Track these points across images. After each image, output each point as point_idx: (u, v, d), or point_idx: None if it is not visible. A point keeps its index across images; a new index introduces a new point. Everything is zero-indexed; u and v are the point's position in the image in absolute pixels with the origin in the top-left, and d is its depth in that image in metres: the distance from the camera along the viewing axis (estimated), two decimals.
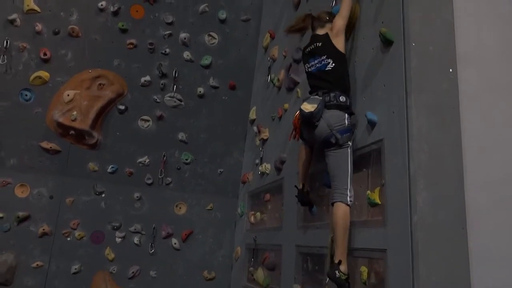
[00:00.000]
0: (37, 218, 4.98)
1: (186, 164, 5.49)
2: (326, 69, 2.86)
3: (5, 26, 5.06)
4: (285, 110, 4.39)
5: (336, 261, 2.61)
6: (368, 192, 2.65)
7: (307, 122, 2.84)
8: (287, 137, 4.25)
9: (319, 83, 2.89)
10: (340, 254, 2.62)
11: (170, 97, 5.50)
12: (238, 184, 5.54)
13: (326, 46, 2.91)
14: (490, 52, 2.65)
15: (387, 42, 2.63)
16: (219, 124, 5.61)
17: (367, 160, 2.79)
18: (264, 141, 4.92)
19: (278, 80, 4.69)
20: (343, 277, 2.57)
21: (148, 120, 5.44)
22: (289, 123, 4.20)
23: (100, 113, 5.25)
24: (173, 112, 5.51)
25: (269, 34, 5.24)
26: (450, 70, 2.49)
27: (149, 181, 5.35)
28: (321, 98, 2.79)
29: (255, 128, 5.23)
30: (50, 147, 5.11)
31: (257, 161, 5.00)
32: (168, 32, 5.51)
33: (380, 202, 2.55)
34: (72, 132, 5.13)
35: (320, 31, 3.06)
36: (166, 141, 5.46)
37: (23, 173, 5.02)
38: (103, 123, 5.31)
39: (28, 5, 5.09)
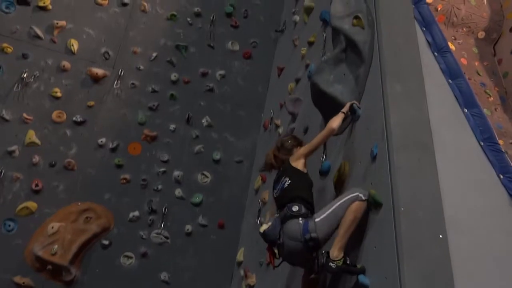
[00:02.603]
0: None
1: None
2: (284, 187, 2.98)
3: (3, 156, 5.17)
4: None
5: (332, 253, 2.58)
6: None
7: (268, 241, 2.90)
8: (274, 286, 4.06)
9: (281, 203, 2.95)
10: (337, 245, 2.60)
11: (157, 234, 5.39)
12: None
13: (286, 169, 3.08)
14: (477, 217, 2.70)
15: (376, 204, 2.68)
16: (204, 265, 5.39)
17: None
18: (250, 287, 4.68)
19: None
20: (340, 263, 2.57)
21: (131, 257, 5.23)
22: (279, 272, 4.06)
23: (82, 248, 5.07)
24: (158, 249, 5.34)
25: (260, 177, 5.38)
26: (440, 236, 2.49)
27: None
28: (277, 215, 2.87)
29: (241, 272, 5.02)
30: (23, 283, 4.82)
31: None
32: (162, 169, 5.64)
33: None
34: (49, 267, 4.88)
35: (286, 156, 3.18)
36: (148, 280, 5.18)
37: None
38: (83, 258, 5.09)
39: (29, 138, 5.28)
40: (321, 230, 2.68)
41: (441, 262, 2.41)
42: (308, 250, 2.72)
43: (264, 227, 2.88)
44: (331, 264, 2.59)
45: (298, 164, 3.06)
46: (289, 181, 2.97)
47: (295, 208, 2.80)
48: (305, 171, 3.10)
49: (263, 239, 2.93)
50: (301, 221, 2.73)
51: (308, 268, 3.03)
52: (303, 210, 2.80)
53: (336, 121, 3.09)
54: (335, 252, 2.63)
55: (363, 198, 2.67)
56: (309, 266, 2.94)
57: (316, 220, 2.70)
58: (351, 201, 2.68)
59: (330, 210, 2.71)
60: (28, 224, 5.03)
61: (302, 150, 3.12)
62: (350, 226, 2.64)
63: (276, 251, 2.91)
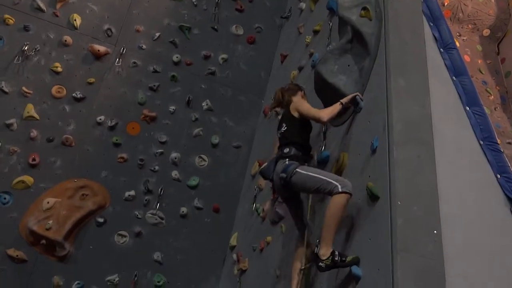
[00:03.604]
0: None
1: (158, 287, 5.17)
2: (282, 132, 3.36)
3: (1, 129, 5.11)
4: (268, 244, 4.31)
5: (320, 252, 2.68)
6: None
7: (264, 178, 3.34)
8: (268, 272, 4.11)
9: (279, 145, 3.35)
10: (323, 242, 2.67)
11: (152, 214, 5.41)
12: None
13: (285, 115, 3.44)
14: (472, 215, 2.73)
15: (373, 197, 2.70)
16: (198, 247, 5.42)
17: None
18: (242, 271, 4.73)
19: (263, 210, 4.69)
20: (328, 262, 2.64)
21: (125, 236, 5.25)
22: (271, 258, 4.11)
23: (77, 224, 5.07)
24: (153, 230, 5.36)
25: (258, 163, 5.39)
26: (435, 231, 2.52)
27: None
28: (274, 156, 3.27)
29: (234, 256, 5.08)
30: (17, 255, 4.82)
31: None
32: (160, 150, 5.63)
33: None
34: (43, 241, 4.89)
35: (291, 100, 3.46)
36: (140, 260, 5.21)
37: None
38: (77, 235, 5.11)
39: (28, 112, 5.23)
40: (294, 178, 3.00)
41: (434, 257, 2.45)
42: (282, 186, 3.10)
43: (263, 166, 3.33)
44: (320, 264, 2.69)
45: (295, 113, 3.33)
46: (285, 127, 3.32)
47: (286, 150, 3.20)
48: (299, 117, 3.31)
49: (261, 177, 3.38)
50: (287, 162, 3.11)
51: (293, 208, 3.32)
52: (293, 152, 3.17)
53: (328, 114, 3.16)
54: (322, 250, 2.70)
55: (340, 190, 2.73)
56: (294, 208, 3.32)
57: (297, 169, 3.02)
58: (330, 190, 2.78)
59: (313, 174, 2.96)
60: (24, 198, 5.02)
61: (300, 106, 3.31)
62: (331, 223, 2.71)
63: None
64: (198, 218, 5.56)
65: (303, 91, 3.56)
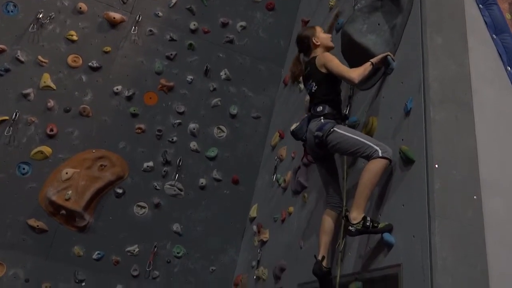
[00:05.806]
0: None
1: (177, 258, 5.15)
2: (312, 91, 3.16)
3: (18, 99, 5.06)
4: (289, 214, 4.21)
5: (351, 215, 2.57)
6: None
7: (296, 139, 3.19)
8: (289, 242, 4.02)
9: (310, 104, 3.20)
10: (355, 206, 2.56)
11: (170, 185, 5.34)
12: (230, 286, 5.14)
13: (313, 72, 3.17)
14: None
15: (407, 160, 2.54)
16: (217, 219, 5.37)
17: (381, 285, 2.54)
18: (263, 242, 4.65)
19: (284, 181, 4.57)
20: (359, 226, 2.53)
21: (144, 207, 5.21)
22: (293, 228, 4.01)
23: (96, 195, 5.04)
24: (172, 201, 5.31)
25: (278, 134, 5.25)
26: (475, 197, 2.36)
27: (135, 273, 4.96)
28: (306, 116, 3.15)
29: (254, 227, 5.00)
30: (37, 226, 4.82)
31: (254, 263, 4.68)
32: (178, 121, 5.52)
33: None
34: (63, 211, 4.87)
35: (312, 53, 3.27)
36: (160, 231, 5.18)
37: (2, 251, 4.67)
38: (97, 206, 5.08)
39: (45, 82, 5.15)
40: (331, 137, 2.86)
41: (474, 224, 2.30)
42: (315, 145, 2.96)
43: (293, 126, 3.21)
44: (350, 228, 2.57)
45: (322, 69, 3.11)
46: (316, 86, 3.12)
47: (319, 108, 3.04)
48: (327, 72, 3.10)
49: (293, 137, 3.22)
50: (322, 120, 2.97)
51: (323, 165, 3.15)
52: (327, 110, 3.02)
53: (360, 74, 2.91)
54: (353, 213, 2.57)
55: (380, 155, 2.58)
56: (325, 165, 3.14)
57: (334, 128, 2.88)
58: (368, 155, 2.62)
59: (352, 136, 2.79)
60: (42, 168, 4.99)
61: (328, 62, 3.05)
62: (366, 187, 2.57)
63: None
64: (217, 189, 5.48)
65: (319, 27, 3.36)
